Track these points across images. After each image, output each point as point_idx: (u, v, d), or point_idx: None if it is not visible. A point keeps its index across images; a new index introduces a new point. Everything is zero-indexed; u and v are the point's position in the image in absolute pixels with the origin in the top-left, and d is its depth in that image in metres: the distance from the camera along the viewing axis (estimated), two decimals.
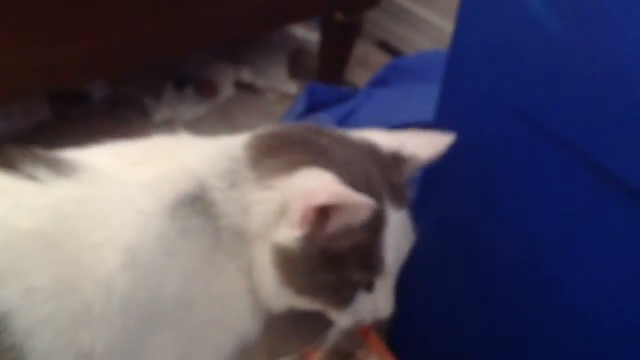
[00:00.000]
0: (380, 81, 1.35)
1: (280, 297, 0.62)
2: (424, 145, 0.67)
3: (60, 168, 0.56)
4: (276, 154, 0.61)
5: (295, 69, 1.68)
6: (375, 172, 0.62)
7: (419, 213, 0.93)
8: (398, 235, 0.63)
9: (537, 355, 0.79)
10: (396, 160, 0.66)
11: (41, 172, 0.55)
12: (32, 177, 0.54)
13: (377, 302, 0.64)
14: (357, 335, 1.03)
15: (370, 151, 0.65)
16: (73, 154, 0.60)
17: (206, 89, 1.54)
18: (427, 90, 1.04)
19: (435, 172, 0.88)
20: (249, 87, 1.61)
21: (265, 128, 0.65)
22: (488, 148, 0.76)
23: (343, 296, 0.62)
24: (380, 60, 1.67)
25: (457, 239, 0.86)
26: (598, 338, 0.70)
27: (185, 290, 0.58)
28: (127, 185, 0.58)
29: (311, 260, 0.59)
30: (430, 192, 0.89)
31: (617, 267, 0.65)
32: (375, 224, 0.60)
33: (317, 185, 0.56)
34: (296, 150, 0.61)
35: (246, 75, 1.61)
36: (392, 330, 1.06)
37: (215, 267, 0.59)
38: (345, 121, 1.18)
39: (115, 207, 0.56)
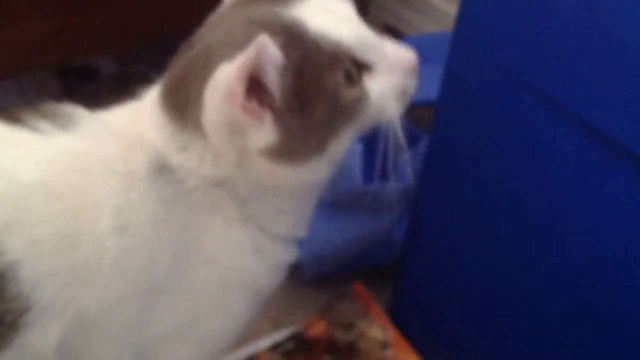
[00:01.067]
0: None
1: (321, 168, 0.58)
2: None
3: (62, 122, 0.57)
4: (181, 104, 0.57)
5: None
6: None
7: (425, 188, 0.96)
8: (323, 8, 0.57)
9: (537, 327, 0.81)
10: None
11: (44, 125, 0.56)
12: (35, 130, 0.55)
13: (391, 64, 0.58)
14: (360, 306, 1.05)
15: None
16: (75, 109, 0.59)
17: None
18: (432, 70, 1.06)
19: (441, 144, 0.91)
20: None
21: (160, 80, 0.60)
22: (495, 121, 0.78)
23: (354, 100, 0.56)
24: None
25: (461, 213, 0.88)
26: (596, 302, 0.73)
27: (175, 259, 0.58)
28: (118, 146, 0.57)
29: (300, 123, 0.55)
30: (436, 166, 0.91)
31: (619, 233, 0.67)
32: (298, 35, 0.54)
33: (223, 82, 0.51)
34: (188, 82, 0.56)
35: None
36: (395, 304, 1.08)
37: (199, 230, 0.59)
38: None
39: (108, 167, 0.56)
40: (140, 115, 0.59)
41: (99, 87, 1.41)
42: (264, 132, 0.54)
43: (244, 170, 0.57)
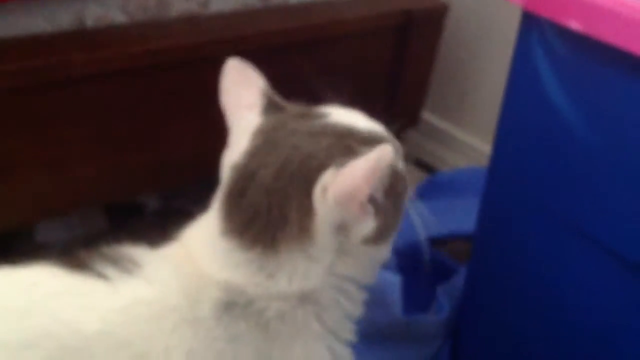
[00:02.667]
0: (418, 196, 1.41)
1: (391, 242, 0.65)
2: None
3: (125, 265, 0.59)
4: (270, 229, 0.59)
5: None
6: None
7: (464, 319, 0.95)
8: (350, 113, 0.65)
9: None
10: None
11: (109, 270, 0.58)
12: (101, 276, 0.57)
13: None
14: None
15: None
16: (137, 250, 0.62)
17: None
18: (465, 204, 1.09)
19: (479, 277, 0.92)
20: None
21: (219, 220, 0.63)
22: (531, 255, 0.80)
23: (404, 176, 0.64)
24: (417, 177, 1.74)
25: (501, 344, 0.88)
26: None
27: None
28: (183, 292, 0.59)
29: (389, 209, 0.61)
30: (474, 297, 0.92)
31: None
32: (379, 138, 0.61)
33: (344, 185, 0.56)
34: (278, 203, 0.59)
35: None
36: None
37: (276, 358, 0.60)
38: None
39: (176, 315, 0.58)
40: (197, 256, 0.61)
41: (144, 222, 1.44)
42: (368, 223, 0.60)
43: (338, 262, 0.61)
